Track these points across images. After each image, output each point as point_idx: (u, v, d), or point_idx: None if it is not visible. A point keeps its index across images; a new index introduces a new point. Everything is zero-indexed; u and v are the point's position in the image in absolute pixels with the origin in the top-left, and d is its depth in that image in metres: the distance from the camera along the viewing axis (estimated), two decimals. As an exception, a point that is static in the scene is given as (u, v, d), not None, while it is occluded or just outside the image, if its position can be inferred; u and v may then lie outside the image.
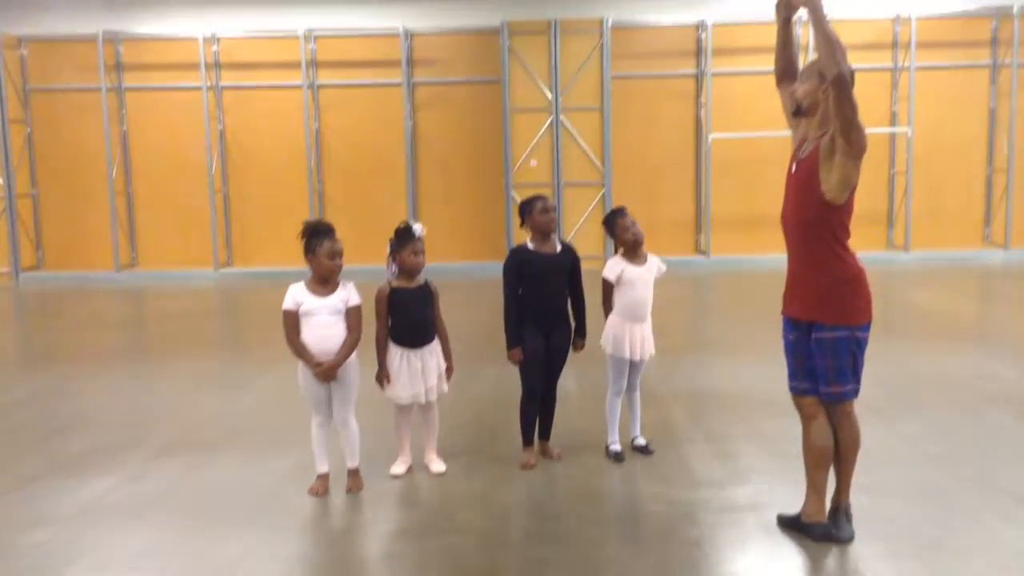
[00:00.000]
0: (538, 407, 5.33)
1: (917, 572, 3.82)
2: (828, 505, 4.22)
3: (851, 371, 4.05)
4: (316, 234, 4.78)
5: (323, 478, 4.94)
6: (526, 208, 5.26)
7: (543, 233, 5.22)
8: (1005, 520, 4.32)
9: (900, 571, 3.84)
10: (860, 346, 4.05)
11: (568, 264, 5.27)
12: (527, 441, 5.33)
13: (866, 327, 4.07)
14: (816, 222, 4.01)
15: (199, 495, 4.95)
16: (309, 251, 4.78)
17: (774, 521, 4.37)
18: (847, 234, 4.06)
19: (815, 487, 4.20)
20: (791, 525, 4.29)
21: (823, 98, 3.98)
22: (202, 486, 5.09)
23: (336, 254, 4.77)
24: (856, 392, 4.10)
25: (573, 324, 5.35)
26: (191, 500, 4.88)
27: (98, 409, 6.79)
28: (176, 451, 5.71)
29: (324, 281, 4.81)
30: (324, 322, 4.77)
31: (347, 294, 4.85)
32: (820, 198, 3.96)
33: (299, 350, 4.79)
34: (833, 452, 4.16)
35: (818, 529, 4.19)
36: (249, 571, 4.00)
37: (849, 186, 3.95)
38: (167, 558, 4.17)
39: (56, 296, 13.18)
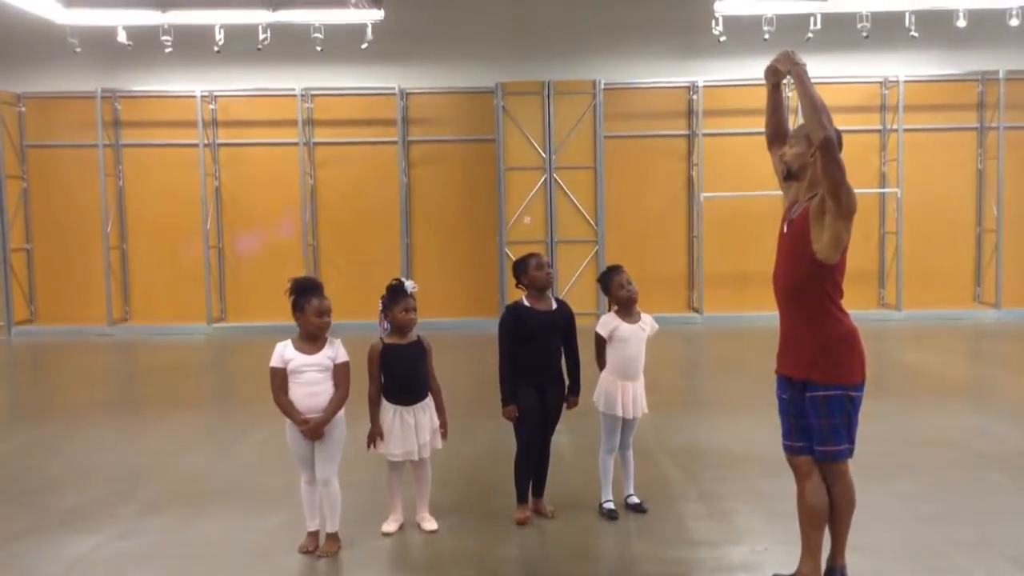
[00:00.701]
0: (532, 465, 5.29)
1: (914, 634, 3.78)
2: (824, 566, 4.18)
3: (845, 430, 4.04)
4: (304, 292, 4.78)
5: (313, 536, 4.89)
6: (521, 266, 5.29)
7: (540, 289, 5.25)
8: (1002, 581, 4.29)
9: (897, 633, 3.80)
10: (855, 405, 4.05)
11: (563, 321, 5.28)
12: (521, 498, 5.30)
13: (860, 386, 4.07)
14: (808, 282, 4.04)
15: (186, 553, 4.89)
16: (297, 309, 4.78)
17: (769, 581, 4.33)
18: (840, 293, 4.08)
19: (810, 547, 4.17)
20: None
21: (811, 161, 4.03)
22: (189, 544, 5.03)
23: (324, 311, 4.77)
24: (851, 452, 4.08)
25: (567, 381, 5.35)
26: (178, 558, 4.82)
27: (87, 464, 6.72)
28: (164, 508, 5.65)
29: (312, 339, 4.80)
30: (311, 379, 4.76)
31: (334, 351, 4.84)
32: (811, 258, 3.99)
33: (286, 408, 4.76)
34: (828, 512, 4.13)
35: None
36: (237, 631, 3.94)
37: (840, 246, 3.98)
38: (154, 617, 4.11)
39: (48, 350, 13.12)
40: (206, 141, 14.58)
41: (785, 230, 4.19)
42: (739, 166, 13.91)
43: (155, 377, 11.05)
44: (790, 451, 4.23)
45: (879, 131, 14.64)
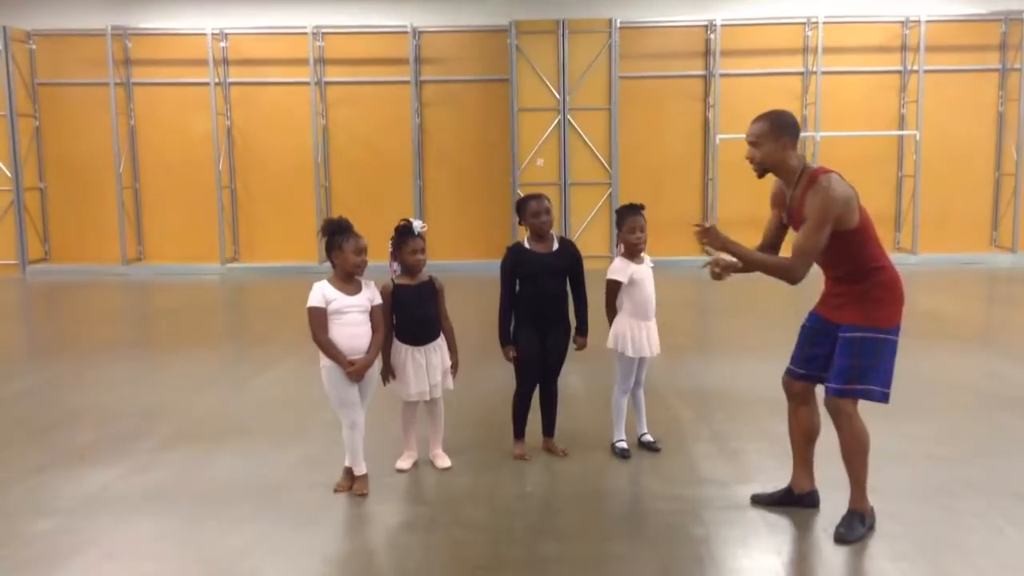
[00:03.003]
0: (529, 404, 5.33)
1: (924, 573, 3.81)
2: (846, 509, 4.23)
3: (876, 373, 4.04)
4: (341, 231, 4.70)
5: (363, 478, 4.84)
6: (521, 207, 5.24)
7: (536, 234, 5.21)
8: (1013, 522, 4.30)
9: (906, 572, 3.82)
10: (889, 349, 4.08)
11: (565, 262, 5.23)
12: (518, 434, 5.36)
13: (895, 330, 4.10)
14: (835, 251, 4.07)
15: (204, 487, 4.95)
16: (334, 248, 4.70)
17: (778, 520, 4.37)
18: (873, 243, 4.11)
19: (805, 462, 4.45)
20: (781, 501, 4.49)
21: (784, 154, 4.14)
22: (207, 478, 5.09)
23: (363, 249, 4.71)
24: (884, 396, 4.06)
25: (573, 322, 5.34)
26: (196, 492, 4.88)
27: (103, 401, 6.79)
28: (181, 443, 5.71)
29: (348, 278, 4.75)
30: (354, 320, 4.70)
31: (372, 293, 4.81)
32: (838, 232, 4.02)
33: (330, 349, 4.66)
34: (818, 432, 4.42)
35: (807, 498, 4.45)
36: (254, 562, 4.00)
37: (851, 218, 4.02)
38: (172, 548, 4.17)
39: (63, 289, 13.20)
40: (217, 80, 14.47)
41: (785, 221, 4.33)
42: (756, 107, 13.52)
43: (170, 316, 11.12)
44: (791, 375, 4.38)
45: (899, 72, 14.40)
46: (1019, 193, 14.23)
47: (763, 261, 4.19)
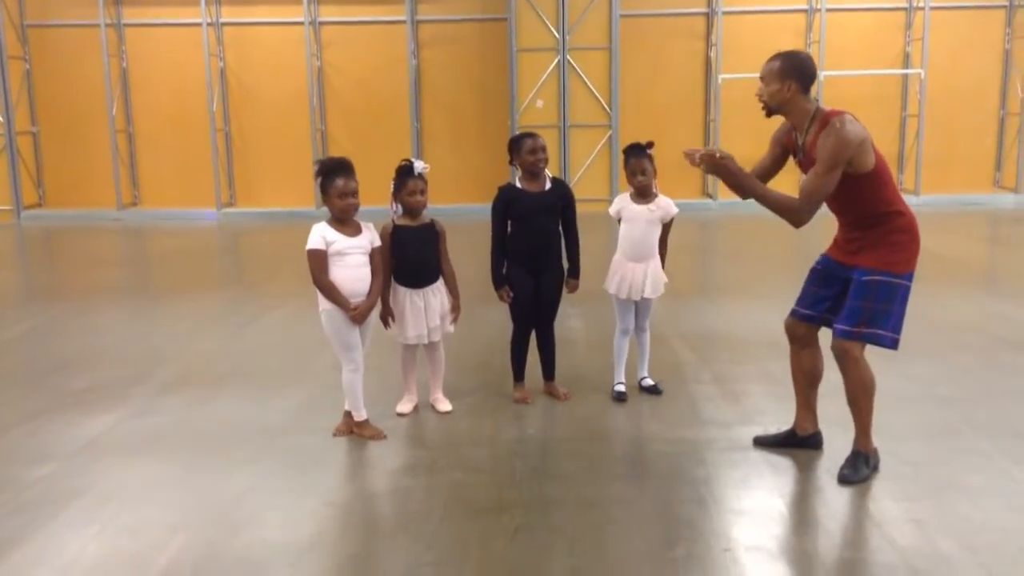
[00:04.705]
0: (526, 346, 5.28)
1: (929, 513, 3.78)
2: (850, 449, 4.20)
3: (887, 317, 3.97)
4: (330, 173, 4.58)
5: (365, 423, 4.79)
6: (515, 145, 5.11)
7: (530, 173, 5.10)
8: (1018, 462, 4.27)
9: (911, 512, 3.80)
10: (901, 294, 3.99)
11: (559, 202, 5.13)
12: (517, 377, 5.32)
13: (908, 276, 4.02)
14: (848, 196, 3.98)
15: (203, 431, 4.92)
16: (324, 191, 4.59)
17: (781, 460, 4.34)
18: (888, 189, 4.00)
19: (807, 404, 4.43)
20: (784, 443, 4.48)
21: (788, 96, 4.02)
22: (206, 422, 5.06)
23: (348, 192, 4.57)
24: (893, 342, 4.00)
25: (566, 264, 5.25)
26: (195, 436, 4.85)
27: (101, 346, 6.74)
28: (179, 388, 5.67)
29: (342, 222, 4.64)
30: (356, 262, 4.60)
31: (372, 235, 4.71)
32: (852, 175, 3.92)
33: (331, 292, 4.56)
34: (821, 375, 4.40)
35: (810, 440, 4.44)
36: (254, 505, 3.98)
37: (866, 161, 3.90)
38: (171, 492, 4.14)
39: (58, 234, 13.10)
40: (209, 20, 14.18)
41: (801, 158, 4.17)
42: (759, 45, 13.37)
43: (166, 261, 11.04)
44: (795, 315, 4.33)
45: (905, 9, 14.13)
46: (1024, 133, 14.07)
47: (771, 197, 4.02)
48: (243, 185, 14.93)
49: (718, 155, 4.02)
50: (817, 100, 4.13)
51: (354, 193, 4.60)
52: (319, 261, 4.57)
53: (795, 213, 3.97)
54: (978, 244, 11.20)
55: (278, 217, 13.76)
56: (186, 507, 3.98)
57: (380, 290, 4.76)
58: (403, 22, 14.17)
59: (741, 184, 4.02)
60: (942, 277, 8.61)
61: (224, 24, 14.46)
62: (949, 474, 4.17)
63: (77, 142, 14.73)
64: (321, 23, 14.44)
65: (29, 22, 14.51)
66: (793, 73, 4.02)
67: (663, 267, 5.26)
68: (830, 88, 13.64)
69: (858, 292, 4.01)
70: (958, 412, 4.97)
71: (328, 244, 4.57)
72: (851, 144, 3.85)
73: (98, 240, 12.59)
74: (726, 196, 14.07)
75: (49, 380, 5.89)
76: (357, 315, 4.61)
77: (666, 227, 5.23)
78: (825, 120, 3.95)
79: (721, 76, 13.75)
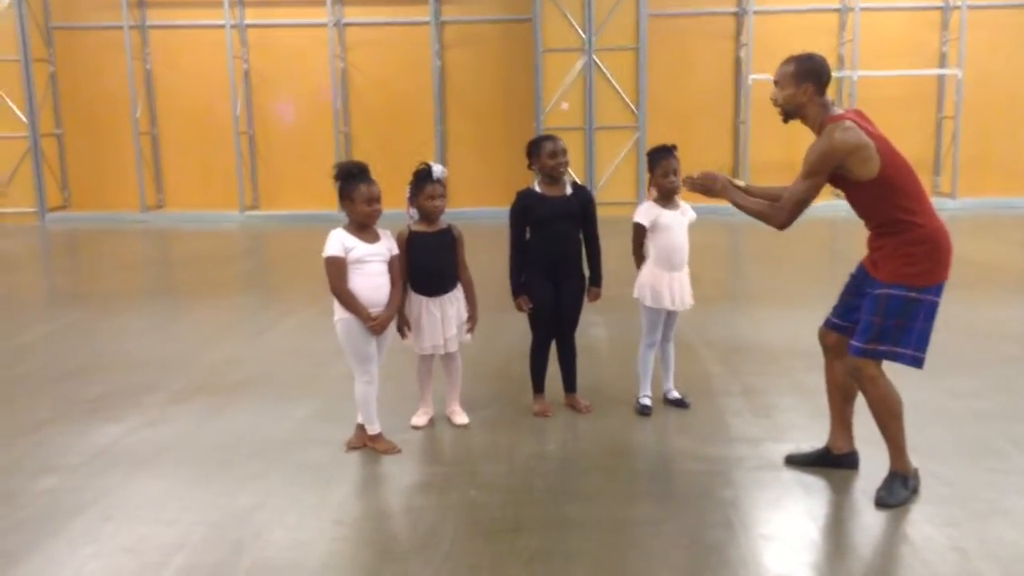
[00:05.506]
0: (546, 357, 5.09)
1: (971, 540, 3.54)
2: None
3: (903, 333, 3.74)
4: (349, 177, 4.39)
5: (379, 436, 4.62)
6: (534, 149, 4.94)
7: (550, 177, 4.91)
8: (1066, 485, 4.03)
9: (953, 538, 3.56)
10: (922, 309, 3.75)
11: (579, 208, 4.93)
12: (537, 389, 5.13)
13: (930, 289, 3.76)
14: (870, 202, 3.82)
15: (212, 443, 4.77)
16: (344, 196, 4.40)
17: (814, 481, 4.13)
18: (910, 198, 3.78)
19: (843, 421, 4.22)
20: (818, 462, 4.28)
21: (805, 99, 3.91)
22: (215, 434, 4.92)
23: (374, 198, 4.40)
24: (915, 360, 3.77)
25: (587, 272, 5.06)
26: (203, 449, 4.71)
27: (116, 352, 6.64)
28: (192, 397, 5.54)
29: (362, 228, 4.47)
30: (376, 270, 4.43)
31: (391, 242, 4.55)
32: (857, 182, 3.79)
33: (350, 302, 4.38)
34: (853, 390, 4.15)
35: (846, 459, 4.23)
36: (260, 524, 3.82)
37: (865, 168, 3.73)
38: (178, 508, 3.99)
39: (82, 237, 13.08)
40: (233, 22, 14.13)
41: None
42: (791, 45, 13.12)
43: (188, 265, 10.97)
44: (827, 325, 4.17)
45: (941, 8, 13.80)
46: (1064, 135, 13.69)
47: (752, 209, 4.04)
48: (266, 188, 14.87)
49: (696, 175, 4.17)
50: (833, 103, 3.94)
51: (379, 199, 4.44)
52: (338, 268, 4.39)
53: (772, 218, 3.99)
54: (1018, 249, 10.85)
55: (301, 220, 13.66)
56: (189, 526, 3.83)
57: (400, 300, 4.59)
58: (427, 23, 14.04)
59: (732, 200, 4.09)
60: (980, 284, 8.32)
61: (248, 26, 14.40)
62: (991, 497, 3.93)
63: (101, 144, 14.73)
64: (345, 24, 14.34)
65: (54, 24, 14.54)
66: (810, 76, 3.89)
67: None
68: (864, 89, 13.35)
69: (870, 306, 3.81)
70: (999, 429, 4.72)
71: (347, 251, 4.40)
72: (837, 152, 3.72)
73: (122, 243, 12.56)
74: (755, 199, 13.81)
75: (61, 387, 5.79)
76: (376, 326, 4.43)
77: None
78: (823, 125, 3.84)
79: (751, 77, 13.49)
